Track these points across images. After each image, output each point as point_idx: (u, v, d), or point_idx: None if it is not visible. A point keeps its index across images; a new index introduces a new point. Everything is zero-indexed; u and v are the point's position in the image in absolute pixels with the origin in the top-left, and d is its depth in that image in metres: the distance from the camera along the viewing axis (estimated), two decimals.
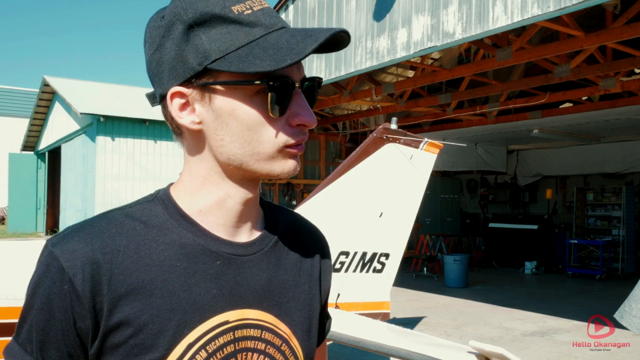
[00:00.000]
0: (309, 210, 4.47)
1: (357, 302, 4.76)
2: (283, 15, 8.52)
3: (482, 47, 7.99)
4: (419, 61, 9.35)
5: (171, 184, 0.86)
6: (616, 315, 0.97)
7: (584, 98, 9.74)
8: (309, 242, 0.96)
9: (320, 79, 0.85)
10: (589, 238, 12.97)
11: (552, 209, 14.80)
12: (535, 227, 13.76)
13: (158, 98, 0.81)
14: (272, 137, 0.77)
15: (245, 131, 0.77)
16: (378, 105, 11.06)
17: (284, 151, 0.79)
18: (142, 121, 17.97)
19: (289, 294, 0.87)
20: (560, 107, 10.48)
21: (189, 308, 0.76)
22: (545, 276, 12.83)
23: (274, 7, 8.42)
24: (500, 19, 5.18)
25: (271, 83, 0.75)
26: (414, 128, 11.93)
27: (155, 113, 18.64)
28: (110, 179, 17.48)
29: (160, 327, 0.74)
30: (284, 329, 0.85)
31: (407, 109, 11.06)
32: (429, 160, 5.03)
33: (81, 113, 16.53)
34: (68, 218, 20.27)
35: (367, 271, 4.87)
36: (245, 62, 0.72)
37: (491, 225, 14.99)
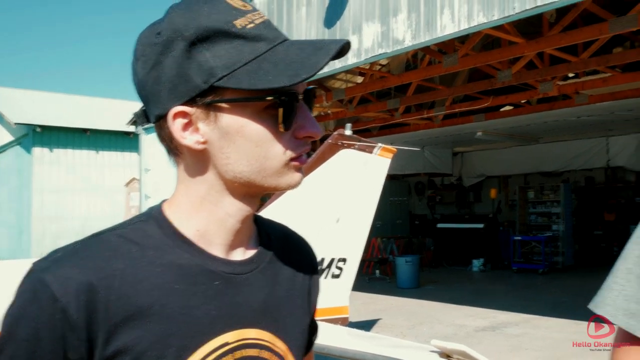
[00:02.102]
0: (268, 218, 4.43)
1: (317, 308, 4.76)
2: None
3: (429, 53, 8.22)
4: (367, 67, 9.49)
5: (164, 200, 0.83)
6: (590, 306, 1.02)
7: (523, 101, 10.20)
8: (301, 257, 0.96)
9: (317, 88, 0.84)
10: (531, 234, 13.59)
11: (496, 208, 15.39)
12: (481, 225, 14.27)
13: (153, 118, 0.78)
14: (280, 152, 0.76)
15: (254, 148, 0.75)
16: (328, 111, 11.14)
17: (289, 164, 0.78)
18: (83, 131, 17.29)
19: (284, 311, 0.86)
20: (501, 110, 10.92)
21: (189, 332, 0.73)
22: (492, 273, 13.32)
23: None
24: (448, 27, 5.34)
25: (283, 98, 0.73)
26: (363, 133, 12.06)
27: (96, 122, 17.98)
28: (48, 192, 16.68)
29: (160, 354, 0.71)
30: (280, 345, 0.84)
31: (356, 114, 11.20)
32: (383, 164, 5.12)
33: (15, 123, 15.70)
34: (0, 236, 19.16)
35: (326, 277, 4.88)
36: (255, 78, 0.71)
37: (439, 225, 15.42)
